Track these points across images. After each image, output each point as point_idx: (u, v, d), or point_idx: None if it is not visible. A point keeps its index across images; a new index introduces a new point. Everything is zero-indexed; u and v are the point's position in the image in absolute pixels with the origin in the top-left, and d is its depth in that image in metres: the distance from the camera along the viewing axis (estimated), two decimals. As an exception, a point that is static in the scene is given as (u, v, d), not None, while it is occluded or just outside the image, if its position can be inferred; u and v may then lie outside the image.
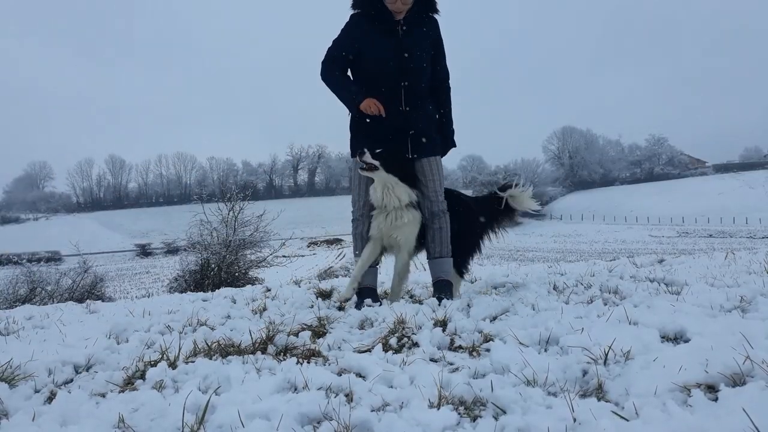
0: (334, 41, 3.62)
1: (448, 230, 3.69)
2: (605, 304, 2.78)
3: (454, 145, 3.87)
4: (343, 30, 3.61)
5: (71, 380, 2.17)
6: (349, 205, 3.83)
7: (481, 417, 1.54)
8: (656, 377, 1.57)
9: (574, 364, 1.81)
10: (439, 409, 1.58)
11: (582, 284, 3.65)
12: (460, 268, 3.93)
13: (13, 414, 1.71)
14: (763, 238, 46.46)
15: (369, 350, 2.30)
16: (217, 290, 5.43)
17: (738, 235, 51.04)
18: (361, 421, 1.51)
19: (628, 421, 1.38)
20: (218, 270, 15.00)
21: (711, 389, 1.51)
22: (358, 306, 3.43)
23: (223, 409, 1.62)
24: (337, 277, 13.84)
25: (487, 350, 2.16)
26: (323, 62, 3.62)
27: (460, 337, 2.40)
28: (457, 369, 1.99)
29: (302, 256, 47.76)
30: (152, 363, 2.23)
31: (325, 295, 4.20)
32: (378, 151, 3.44)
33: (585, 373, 1.77)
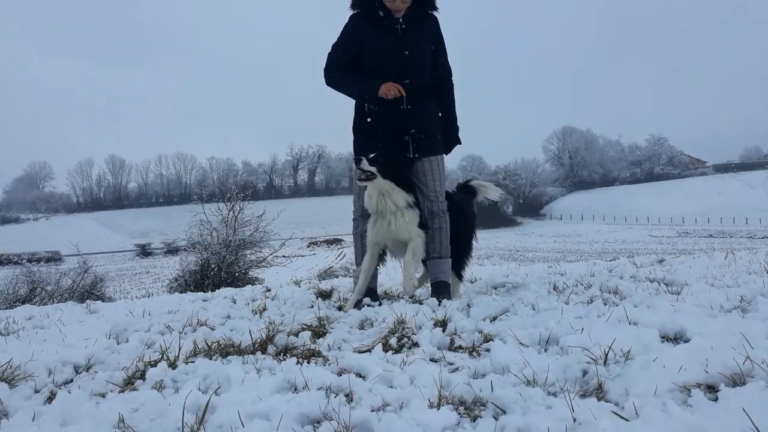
0: (333, 45, 3.61)
1: (448, 231, 3.67)
2: (605, 304, 2.78)
3: (459, 142, 3.85)
4: (342, 31, 3.61)
5: (71, 380, 2.17)
6: (349, 205, 3.83)
7: (481, 417, 1.54)
8: (656, 377, 1.57)
9: (574, 364, 1.81)
10: (439, 409, 1.58)
11: (582, 284, 3.65)
12: (459, 270, 3.92)
13: (13, 414, 1.71)
14: (763, 238, 46.47)
15: (369, 350, 2.30)
16: (217, 290, 5.43)
17: (738, 235, 51.05)
18: (361, 421, 1.51)
19: (628, 421, 1.38)
20: (218, 270, 15.00)
21: (711, 389, 1.51)
22: (358, 306, 3.42)
23: (223, 409, 1.62)
24: (337, 277, 13.84)
25: (487, 350, 2.16)
26: (326, 69, 3.60)
27: (460, 337, 2.40)
28: (457, 369, 1.99)
29: (302, 256, 47.75)
30: (152, 363, 2.23)
31: (325, 295, 4.20)
32: (373, 156, 3.40)
33: (585, 373, 1.77)
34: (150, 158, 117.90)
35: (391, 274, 4.05)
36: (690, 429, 1.28)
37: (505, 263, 29.05)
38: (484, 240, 58.18)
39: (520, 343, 2.15)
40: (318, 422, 1.56)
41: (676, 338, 2.06)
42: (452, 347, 2.31)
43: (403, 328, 2.53)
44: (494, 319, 2.72)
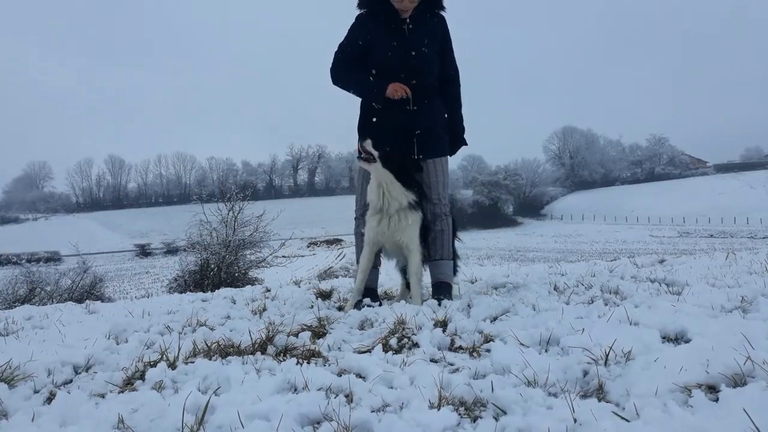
0: (340, 45, 3.59)
1: (450, 233, 3.68)
2: (606, 305, 2.78)
3: (465, 144, 3.82)
4: (349, 31, 3.58)
5: (71, 381, 2.16)
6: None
7: (481, 417, 1.54)
8: (657, 378, 1.57)
9: (575, 365, 1.80)
10: (439, 409, 1.58)
11: (583, 284, 3.64)
12: (454, 268, 3.91)
13: (13, 414, 1.71)
14: (763, 238, 46.48)
15: (369, 351, 2.30)
16: (216, 290, 5.42)
17: (739, 235, 51.06)
18: (361, 421, 1.50)
19: (628, 421, 1.38)
20: (218, 270, 14.98)
21: (712, 390, 1.51)
22: (358, 306, 3.42)
23: (223, 410, 1.62)
24: (337, 277, 13.83)
25: (488, 351, 2.15)
26: (332, 68, 3.58)
27: (460, 338, 2.40)
28: (457, 369, 1.98)
29: (302, 256, 47.76)
30: (152, 363, 2.23)
31: (325, 295, 4.19)
32: (380, 146, 3.37)
33: (586, 373, 1.77)
34: (149, 158, 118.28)
35: (392, 274, 4.05)
36: (691, 429, 1.28)
37: (506, 263, 29.04)
38: (484, 240, 58.40)
39: (521, 344, 2.15)
40: (318, 423, 1.56)
41: (677, 338, 2.05)
42: (452, 348, 2.31)
43: (403, 329, 2.53)
44: (495, 319, 2.71)
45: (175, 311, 3.72)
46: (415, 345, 2.35)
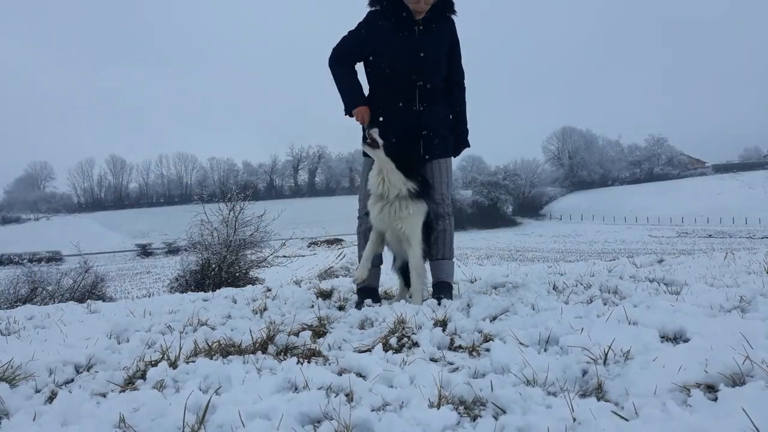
0: (349, 32, 3.57)
1: (452, 233, 3.69)
2: (605, 304, 2.78)
3: (468, 146, 3.84)
4: (359, 26, 3.56)
5: (72, 380, 2.17)
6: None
7: (481, 417, 1.54)
8: (656, 377, 1.57)
9: (574, 364, 1.81)
10: (439, 408, 1.58)
11: (582, 284, 3.65)
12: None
13: (14, 414, 1.71)
14: (762, 238, 46.44)
15: (369, 350, 2.30)
16: (217, 290, 5.42)
17: (737, 236, 51.02)
18: (362, 420, 1.51)
19: (627, 420, 1.38)
20: (219, 270, 14.98)
21: (710, 389, 1.51)
22: (358, 306, 3.43)
23: (224, 409, 1.62)
24: (337, 277, 13.82)
25: (487, 350, 2.16)
26: (335, 48, 3.57)
27: (460, 337, 2.40)
28: (457, 369, 1.99)
29: (302, 256, 47.69)
30: (153, 363, 2.23)
31: (325, 295, 4.20)
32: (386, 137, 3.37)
33: (585, 372, 1.77)
34: (151, 158, 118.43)
35: (392, 274, 4.05)
36: (690, 429, 1.29)
37: (505, 263, 29.03)
38: (483, 240, 58.36)
39: (520, 343, 2.15)
40: (318, 422, 1.56)
41: (676, 338, 2.06)
42: (452, 347, 2.31)
43: (403, 328, 2.53)
44: (494, 318, 2.72)
45: (177, 311, 3.73)
46: (415, 344, 2.35)
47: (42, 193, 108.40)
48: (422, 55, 3.47)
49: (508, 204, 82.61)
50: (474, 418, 1.54)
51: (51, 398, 1.91)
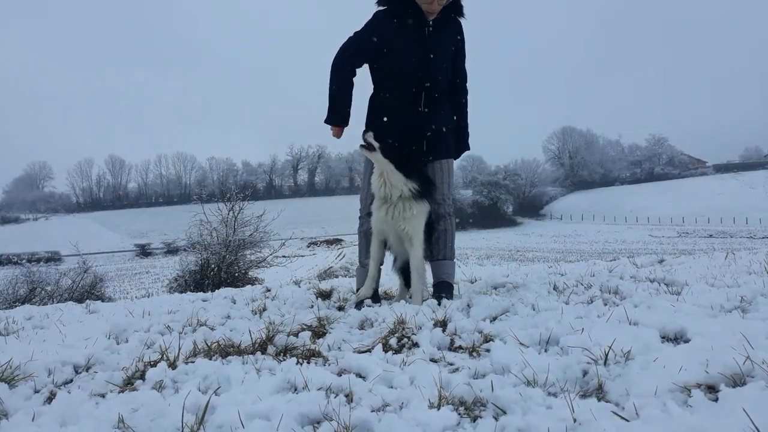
0: (356, 32, 3.52)
1: (453, 233, 3.70)
2: (605, 305, 2.78)
3: (468, 148, 3.84)
4: (367, 25, 3.51)
5: (71, 380, 2.17)
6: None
7: (481, 417, 1.54)
8: (656, 377, 1.57)
9: (575, 365, 1.81)
10: (439, 409, 1.58)
11: (582, 284, 3.65)
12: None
13: (13, 414, 1.71)
14: (763, 238, 46.47)
15: (369, 350, 2.30)
16: (216, 290, 5.42)
17: (738, 236, 51.04)
18: (361, 421, 1.51)
19: (628, 421, 1.38)
20: (218, 270, 14.98)
21: (711, 389, 1.51)
22: (358, 306, 3.42)
23: (223, 410, 1.62)
24: (337, 277, 13.83)
25: (487, 350, 2.16)
26: (342, 48, 3.51)
27: (460, 338, 2.40)
28: (457, 369, 1.98)
29: (302, 256, 47.70)
30: (152, 363, 2.23)
31: (325, 295, 4.19)
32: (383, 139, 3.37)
33: (585, 373, 1.77)
34: (150, 158, 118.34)
35: (392, 274, 4.04)
36: (690, 429, 1.28)
37: (505, 263, 29.05)
38: (483, 240, 58.36)
39: (521, 344, 2.15)
40: (318, 422, 1.56)
41: (677, 338, 2.06)
42: (452, 347, 2.31)
43: (403, 329, 2.53)
44: (494, 319, 2.71)
45: (176, 311, 3.72)
46: (415, 345, 2.35)
47: (41, 193, 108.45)
48: (432, 56, 3.45)
49: (509, 204, 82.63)
50: (474, 419, 1.54)
51: (50, 399, 1.91)
